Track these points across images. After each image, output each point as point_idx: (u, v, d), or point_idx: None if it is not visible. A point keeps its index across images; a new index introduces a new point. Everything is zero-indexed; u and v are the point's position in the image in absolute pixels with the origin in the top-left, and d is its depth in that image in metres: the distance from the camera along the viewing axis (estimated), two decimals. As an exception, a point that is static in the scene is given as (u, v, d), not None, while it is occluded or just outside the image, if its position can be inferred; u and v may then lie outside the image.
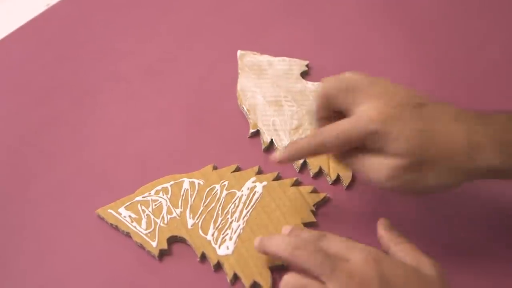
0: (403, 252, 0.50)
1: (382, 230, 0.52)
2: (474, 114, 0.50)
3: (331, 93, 0.52)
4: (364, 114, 0.49)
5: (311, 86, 0.67)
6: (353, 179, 0.60)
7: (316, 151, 0.52)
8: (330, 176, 0.60)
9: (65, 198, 0.61)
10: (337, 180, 0.60)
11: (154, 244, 0.56)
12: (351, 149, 0.50)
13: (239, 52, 0.70)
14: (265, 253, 0.51)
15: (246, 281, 0.53)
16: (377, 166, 0.49)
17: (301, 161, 0.61)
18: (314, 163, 0.60)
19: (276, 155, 0.54)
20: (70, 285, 0.55)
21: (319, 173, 0.61)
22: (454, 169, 0.49)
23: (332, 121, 0.52)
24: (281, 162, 0.54)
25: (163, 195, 0.58)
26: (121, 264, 0.56)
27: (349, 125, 0.50)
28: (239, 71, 0.68)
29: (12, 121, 0.68)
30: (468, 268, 0.54)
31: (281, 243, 0.49)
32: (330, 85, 0.52)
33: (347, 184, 0.59)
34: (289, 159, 0.54)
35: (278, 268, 0.53)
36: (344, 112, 0.52)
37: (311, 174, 0.61)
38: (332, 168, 0.60)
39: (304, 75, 0.68)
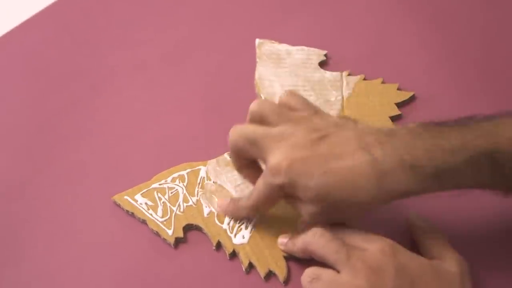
0: (431, 242, 0.50)
1: (413, 219, 0.52)
2: (377, 135, 0.48)
3: (238, 147, 0.52)
4: (268, 168, 0.49)
5: (329, 75, 0.66)
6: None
7: (253, 213, 0.54)
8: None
9: (81, 184, 0.61)
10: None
11: (170, 232, 0.55)
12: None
13: (257, 41, 0.70)
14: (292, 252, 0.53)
15: (261, 270, 0.53)
16: (302, 211, 0.49)
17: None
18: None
19: (218, 204, 0.56)
20: (85, 271, 0.55)
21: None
22: (367, 203, 0.47)
23: (254, 166, 0.54)
24: (222, 214, 0.56)
25: (179, 182, 0.58)
26: (136, 251, 0.56)
27: (261, 184, 0.50)
28: (257, 59, 0.68)
29: (30, 107, 0.68)
30: (492, 266, 0.53)
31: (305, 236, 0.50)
32: (234, 139, 0.51)
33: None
34: (231, 215, 0.56)
35: (294, 258, 0.53)
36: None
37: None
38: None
39: (323, 64, 0.68)
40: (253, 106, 0.52)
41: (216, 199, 0.57)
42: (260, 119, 0.51)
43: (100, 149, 0.64)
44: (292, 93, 0.53)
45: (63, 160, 0.63)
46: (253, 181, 0.53)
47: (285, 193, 0.49)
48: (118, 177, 0.61)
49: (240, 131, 0.51)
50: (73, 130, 0.65)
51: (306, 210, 0.48)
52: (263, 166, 0.52)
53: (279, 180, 0.48)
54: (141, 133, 0.64)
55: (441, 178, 0.46)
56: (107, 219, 0.58)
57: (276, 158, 0.48)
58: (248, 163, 0.54)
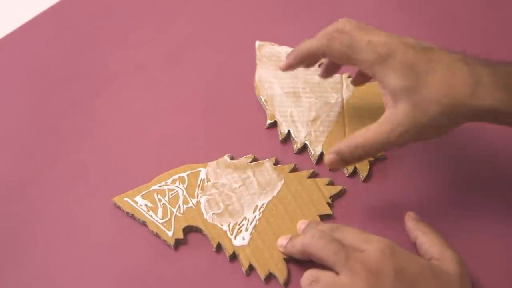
0: (430, 242, 0.50)
1: (410, 220, 0.53)
2: (480, 60, 0.50)
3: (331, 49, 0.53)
4: (372, 44, 0.51)
5: (329, 78, 0.66)
6: (370, 172, 0.60)
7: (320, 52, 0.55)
8: (347, 169, 0.60)
9: (82, 185, 0.61)
10: (354, 172, 0.60)
11: (170, 233, 0.56)
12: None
13: (257, 43, 0.70)
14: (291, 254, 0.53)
15: (261, 272, 0.53)
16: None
17: (318, 152, 0.60)
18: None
19: (282, 64, 0.58)
20: (85, 272, 0.55)
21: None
22: (456, 105, 0.48)
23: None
24: (288, 67, 0.58)
25: (179, 184, 0.58)
26: (136, 252, 0.56)
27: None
28: (257, 61, 0.68)
29: (31, 108, 0.68)
30: (491, 266, 0.53)
31: (304, 238, 0.50)
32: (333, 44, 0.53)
33: (364, 177, 0.59)
34: (295, 63, 0.57)
35: (294, 260, 0.53)
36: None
37: (328, 166, 0.60)
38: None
39: (323, 66, 0.68)
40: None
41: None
42: None
43: (100, 150, 0.64)
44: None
45: (64, 161, 0.63)
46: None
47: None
48: (118, 178, 0.61)
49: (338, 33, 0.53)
50: (74, 131, 0.65)
51: (394, 83, 0.49)
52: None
53: (382, 49, 0.50)
54: (141, 134, 0.64)
55: None
56: (107, 221, 0.58)
57: (380, 39, 0.51)
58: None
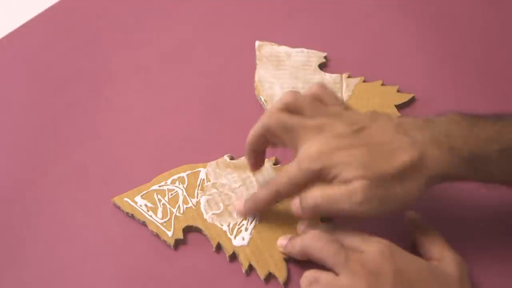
0: (430, 243, 0.50)
1: (410, 220, 0.53)
2: (414, 123, 0.50)
3: (271, 131, 0.52)
4: (305, 154, 0.49)
5: (329, 78, 0.66)
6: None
7: (273, 201, 0.53)
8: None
9: (82, 186, 0.61)
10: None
11: (169, 233, 0.56)
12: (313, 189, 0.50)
13: (257, 43, 0.70)
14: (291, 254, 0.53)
15: (261, 272, 0.53)
16: (344, 195, 0.48)
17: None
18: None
19: (236, 208, 0.56)
20: (85, 273, 0.55)
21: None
22: (415, 178, 0.48)
23: (262, 154, 0.56)
24: (241, 216, 0.56)
25: (179, 184, 0.58)
26: (136, 252, 0.56)
27: (295, 169, 0.50)
28: (257, 61, 0.68)
29: (30, 109, 0.68)
30: (491, 266, 0.53)
31: (304, 238, 0.50)
32: (270, 123, 0.52)
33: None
34: (249, 213, 0.56)
35: (294, 260, 0.53)
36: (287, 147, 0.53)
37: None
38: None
39: (322, 66, 0.68)
40: (289, 97, 0.52)
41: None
42: (294, 110, 0.52)
43: (100, 150, 0.64)
44: (323, 87, 0.54)
45: (64, 162, 0.63)
46: (253, 168, 0.56)
47: (321, 179, 0.49)
48: (118, 179, 0.61)
49: (277, 117, 0.51)
50: (74, 132, 0.65)
51: (355, 187, 0.47)
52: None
53: (316, 165, 0.48)
54: (141, 135, 0.64)
55: (476, 164, 0.47)
56: (107, 221, 0.58)
57: (316, 146, 0.49)
58: (261, 151, 0.55)
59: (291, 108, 0.52)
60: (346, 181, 0.47)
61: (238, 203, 0.56)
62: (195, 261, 0.55)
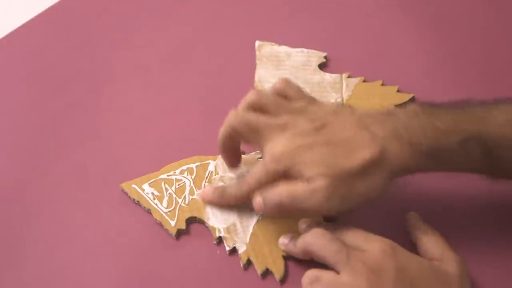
0: (430, 243, 0.50)
1: (411, 220, 0.53)
2: (375, 116, 0.51)
3: (237, 131, 0.53)
4: (269, 154, 0.50)
5: (329, 77, 0.66)
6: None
7: (241, 200, 0.54)
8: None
9: (81, 186, 0.61)
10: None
11: (172, 223, 0.56)
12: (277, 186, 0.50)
13: (257, 43, 0.70)
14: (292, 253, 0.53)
15: (258, 268, 0.53)
16: (307, 193, 0.48)
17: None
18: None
19: (203, 193, 0.57)
20: (85, 273, 0.55)
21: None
22: (377, 173, 0.49)
23: (236, 152, 0.56)
24: (202, 201, 0.57)
25: (187, 175, 0.59)
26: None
27: (262, 170, 0.51)
28: (257, 61, 0.68)
29: (30, 109, 0.68)
30: (491, 266, 0.53)
31: (305, 237, 0.50)
32: (235, 123, 0.53)
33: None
34: (212, 204, 0.56)
35: (293, 258, 0.53)
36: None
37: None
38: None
39: (322, 66, 0.68)
40: (252, 96, 0.53)
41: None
42: (259, 108, 0.53)
43: (100, 150, 0.63)
44: (287, 82, 0.55)
45: (64, 162, 0.63)
46: (229, 165, 0.57)
47: (285, 177, 0.50)
48: (118, 179, 0.60)
49: (242, 117, 0.52)
50: (74, 132, 0.65)
51: (318, 185, 0.48)
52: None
53: (280, 165, 0.49)
54: (141, 135, 0.64)
55: (436, 156, 0.49)
56: (107, 221, 0.58)
57: (280, 146, 0.50)
58: (233, 150, 0.56)
59: (256, 106, 0.53)
60: (308, 180, 0.48)
61: (207, 189, 0.57)
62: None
